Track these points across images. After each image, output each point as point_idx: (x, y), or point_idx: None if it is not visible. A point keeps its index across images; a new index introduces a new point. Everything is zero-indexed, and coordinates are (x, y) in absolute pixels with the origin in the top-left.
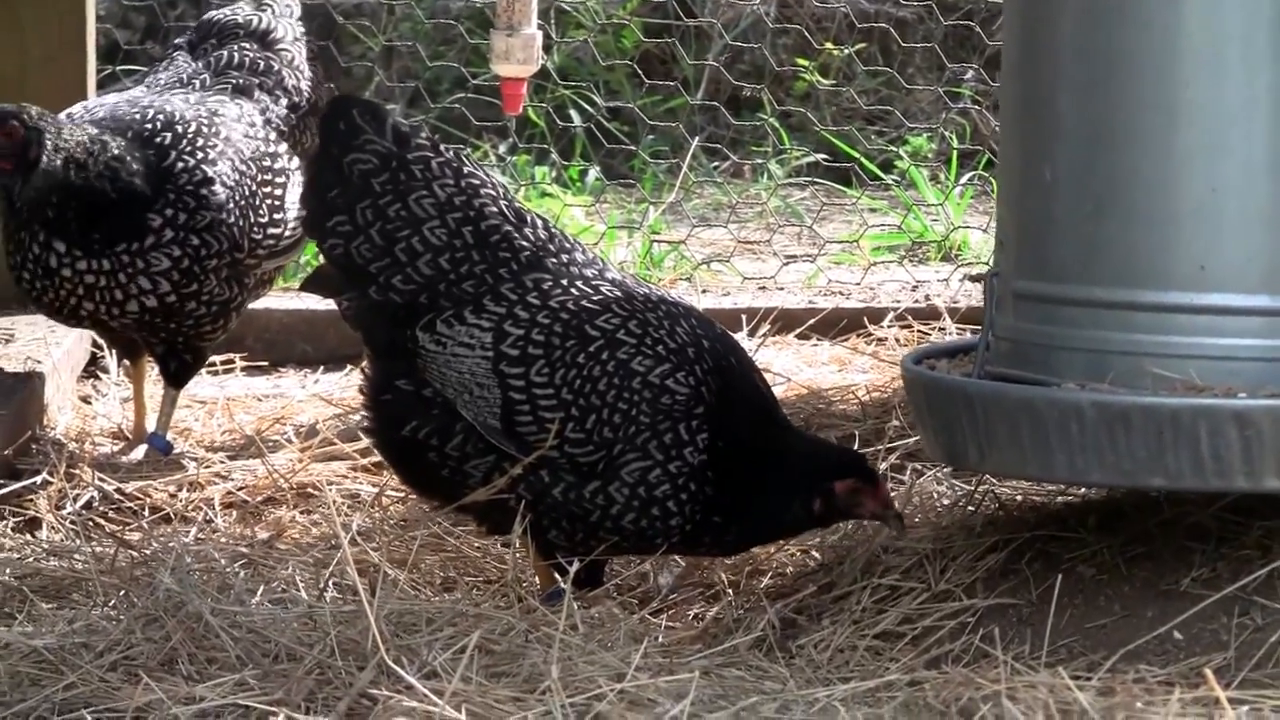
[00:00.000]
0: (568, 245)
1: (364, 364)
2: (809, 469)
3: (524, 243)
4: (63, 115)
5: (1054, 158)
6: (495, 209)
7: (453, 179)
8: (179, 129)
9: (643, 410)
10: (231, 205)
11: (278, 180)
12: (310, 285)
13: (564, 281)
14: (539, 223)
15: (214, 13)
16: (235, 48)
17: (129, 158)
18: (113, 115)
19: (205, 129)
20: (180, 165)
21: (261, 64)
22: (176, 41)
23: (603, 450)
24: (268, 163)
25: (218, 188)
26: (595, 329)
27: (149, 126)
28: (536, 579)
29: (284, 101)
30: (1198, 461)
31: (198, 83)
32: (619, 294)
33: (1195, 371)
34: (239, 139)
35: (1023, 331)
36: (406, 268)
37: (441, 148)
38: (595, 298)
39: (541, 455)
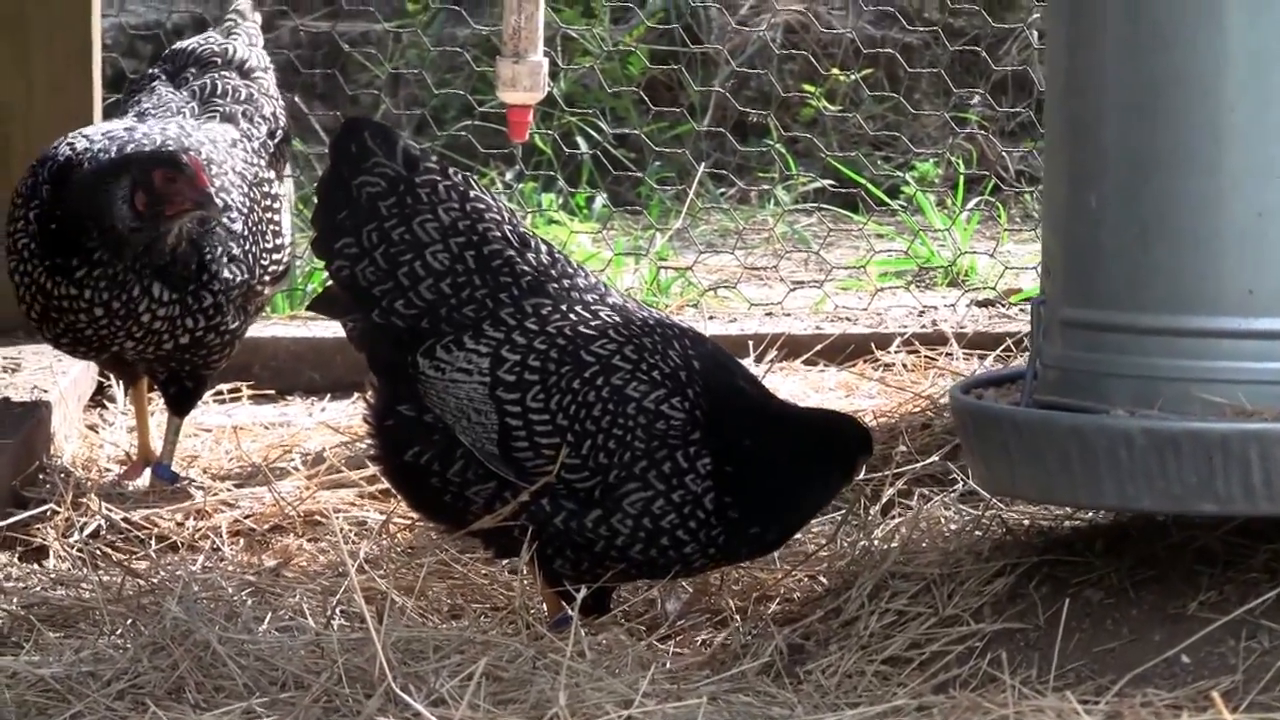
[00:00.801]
0: (570, 270)
1: (369, 389)
2: (828, 444)
3: (525, 267)
4: (66, 145)
5: (1099, 184)
6: (499, 233)
7: (458, 203)
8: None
9: (638, 436)
10: (247, 234)
11: (275, 205)
12: (318, 305)
13: (563, 307)
14: (543, 247)
15: (186, 42)
16: (217, 76)
17: None
18: (128, 143)
19: (215, 158)
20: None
21: (243, 92)
22: (151, 71)
23: (599, 476)
24: (266, 188)
25: (235, 215)
26: (590, 354)
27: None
28: (544, 606)
29: (264, 128)
30: (1248, 486)
31: (187, 111)
32: (617, 319)
33: (1244, 396)
34: (241, 166)
35: (1070, 359)
36: (409, 292)
37: (450, 172)
38: (593, 323)
39: (541, 482)
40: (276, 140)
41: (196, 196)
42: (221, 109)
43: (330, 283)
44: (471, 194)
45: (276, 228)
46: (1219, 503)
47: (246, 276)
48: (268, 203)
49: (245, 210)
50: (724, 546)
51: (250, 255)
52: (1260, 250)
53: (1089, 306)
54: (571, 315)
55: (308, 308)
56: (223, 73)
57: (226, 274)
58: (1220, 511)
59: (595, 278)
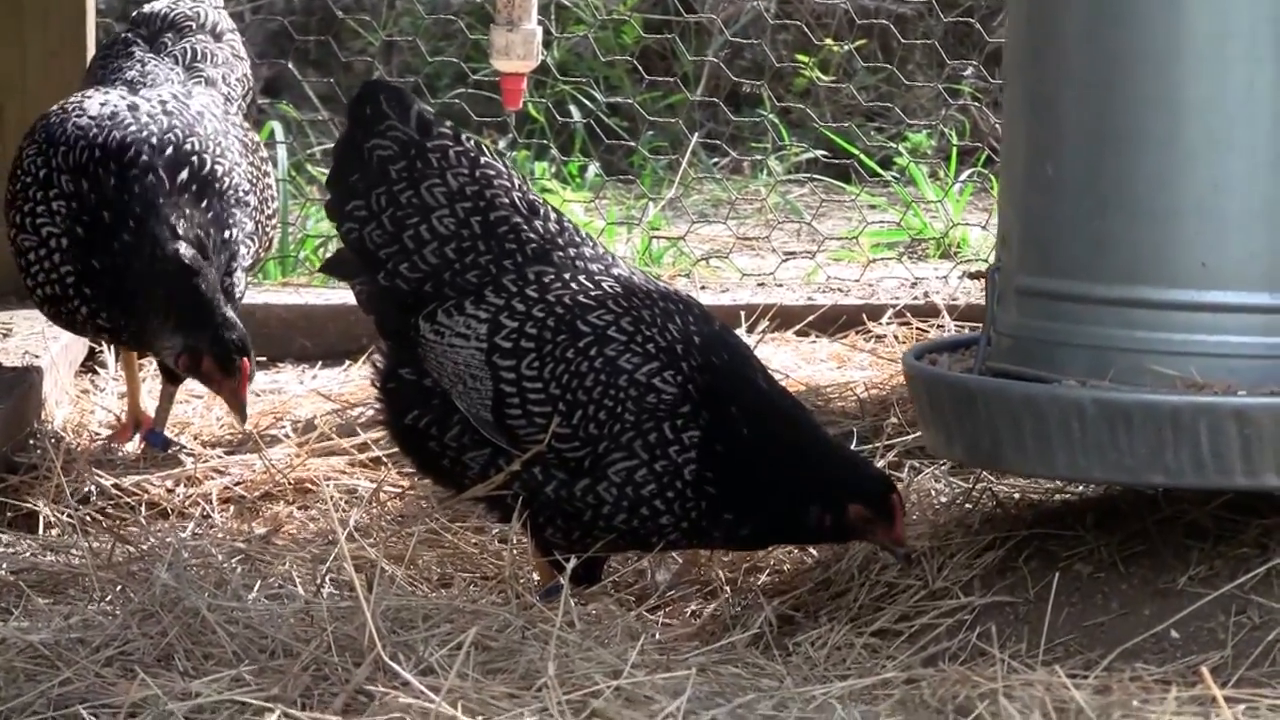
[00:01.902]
0: (578, 239)
1: (377, 353)
2: (828, 482)
3: (531, 235)
4: (70, 116)
5: (1057, 155)
6: (506, 200)
7: (468, 169)
8: (201, 136)
9: (628, 408)
10: (257, 204)
11: (267, 169)
12: (329, 267)
13: (565, 275)
14: (551, 215)
15: (157, 5)
16: (194, 40)
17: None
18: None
19: (219, 132)
20: (219, 170)
21: (219, 55)
22: (125, 35)
23: (589, 447)
24: (261, 152)
25: (246, 188)
26: (587, 325)
27: (175, 136)
28: (535, 574)
29: (239, 89)
30: (1198, 459)
31: (174, 78)
32: (618, 290)
33: (1196, 369)
34: (239, 134)
35: (1025, 328)
36: (413, 255)
37: (463, 138)
38: (593, 293)
39: (533, 450)
40: (249, 100)
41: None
42: (204, 74)
43: (341, 245)
44: (483, 160)
45: (273, 191)
46: (1169, 475)
47: (256, 248)
48: (265, 167)
49: (253, 181)
50: (696, 522)
51: (260, 226)
52: (1215, 224)
53: (1044, 275)
54: (573, 285)
55: (319, 269)
56: (198, 37)
57: (242, 249)
58: (1170, 484)
59: (603, 248)
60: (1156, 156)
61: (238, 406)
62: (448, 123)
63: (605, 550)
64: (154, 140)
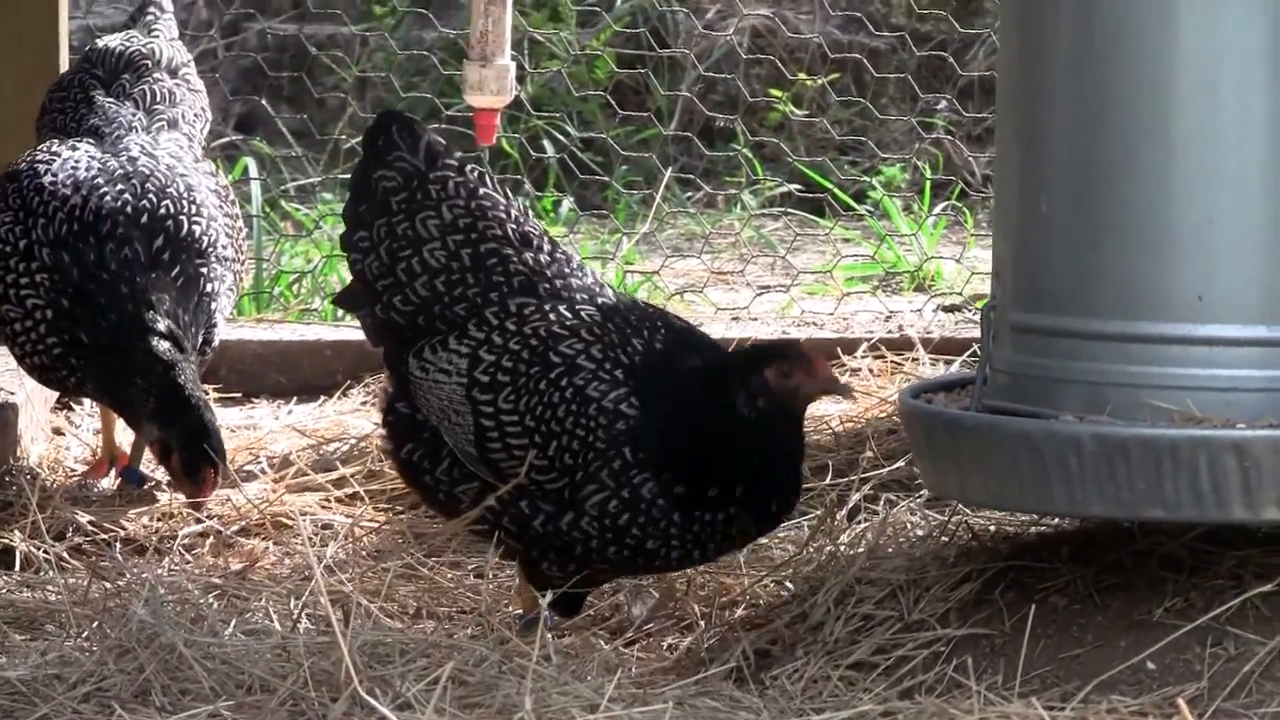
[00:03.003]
0: (568, 269)
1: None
2: (734, 370)
3: (520, 267)
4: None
5: (1050, 189)
6: (499, 231)
7: (464, 200)
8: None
9: (599, 437)
10: (233, 255)
11: (236, 209)
12: (340, 300)
13: (545, 307)
14: (545, 246)
15: (111, 41)
16: (151, 81)
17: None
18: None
19: (195, 185)
20: (197, 230)
21: (177, 94)
22: (78, 77)
23: (566, 477)
24: (230, 195)
25: (225, 241)
26: (558, 355)
27: (149, 202)
28: (511, 608)
29: (199, 125)
30: (1197, 493)
31: (137, 125)
32: (595, 317)
33: (1193, 403)
34: (211, 184)
35: (1020, 364)
36: (405, 288)
37: (467, 168)
38: (569, 322)
39: (519, 485)
40: (205, 130)
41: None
42: (165, 116)
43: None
44: (481, 191)
45: (244, 234)
46: (1167, 509)
47: (236, 296)
48: (235, 210)
49: (230, 234)
50: (684, 529)
51: (237, 276)
52: (1209, 256)
53: (1039, 311)
54: (551, 315)
55: (331, 302)
56: (155, 76)
57: (225, 302)
58: (1168, 518)
59: (594, 277)
60: (1150, 189)
61: (194, 506)
62: (457, 154)
63: (606, 578)
64: (129, 209)
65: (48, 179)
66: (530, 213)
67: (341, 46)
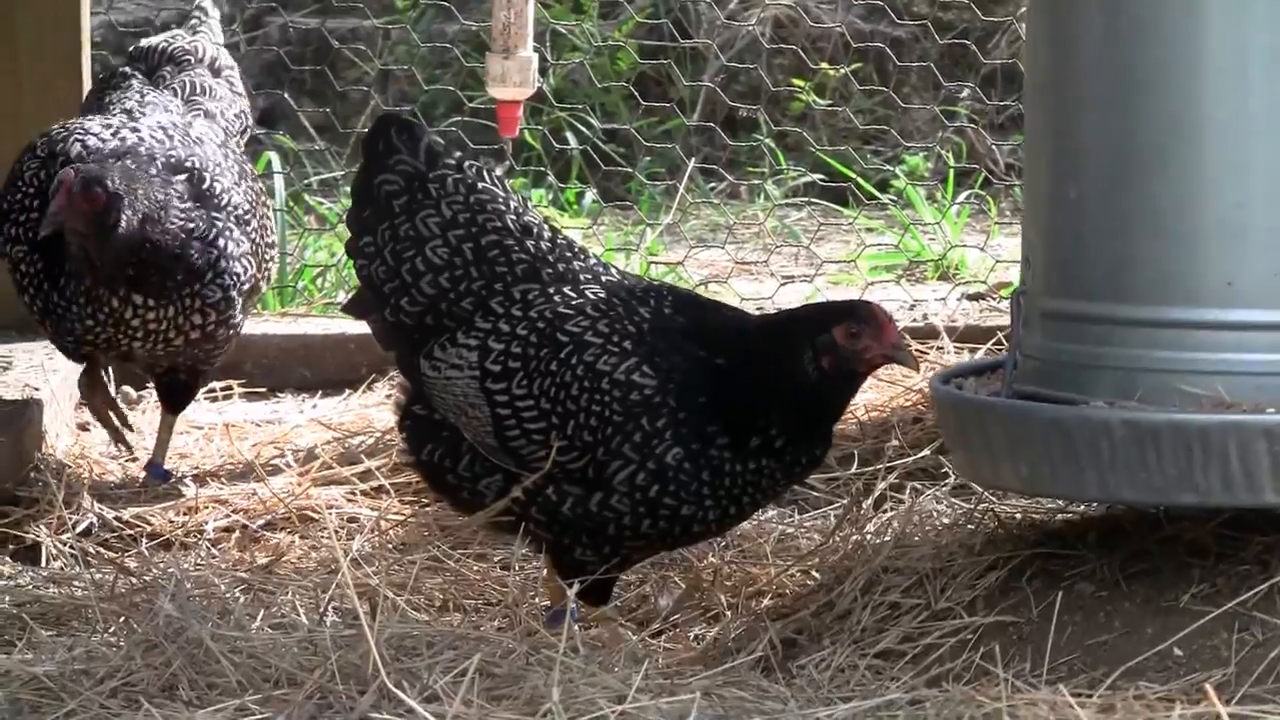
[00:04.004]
0: (569, 254)
1: (398, 389)
2: (805, 325)
3: (522, 255)
4: (76, 141)
5: (1080, 176)
6: (499, 223)
7: (463, 195)
8: (201, 155)
9: (615, 410)
10: (254, 227)
11: (265, 200)
12: (349, 308)
13: (550, 290)
14: (545, 233)
15: (154, 40)
16: (193, 74)
17: (185, 205)
18: (137, 150)
19: (215, 156)
20: (218, 187)
21: (218, 90)
22: (123, 70)
23: (587, 454)
24: (259, 184)
25: (245, 209)
26: (565, 334)
27: (176, 155)
28: (539, 600)
29: (239, 124)
30: (1228, 478)
31: (173, 108)
32: (600, 294)
33: (1224, 388)
34: (238, 160)
35: (1051, 350)
36: (411, 289)
37: (465, 165)
38: (574, 302)
39: (541, 471)
40: (246, 136)
41: None
42: (203, 107)
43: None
44: (480, 185)
45: (270, 222)
46: (1198, 494)
47: (254, 271)
48: (263, 198)
49: (251, 205)
50: (716, 486)
51: (258, 250)
52: (1239, 242)
53: (1069, 297)
54: (556, 298)
55: (342, 310)
56: (197, 70)
57: (238, 268)
58: (1199, 503)
59: (595, 259)
60: (1179, 176)
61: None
62: (456, 153)
63: (643, 556)
64: (155, 155)
65: (77, 133)
66: (530, 204)
67: (364, 40)
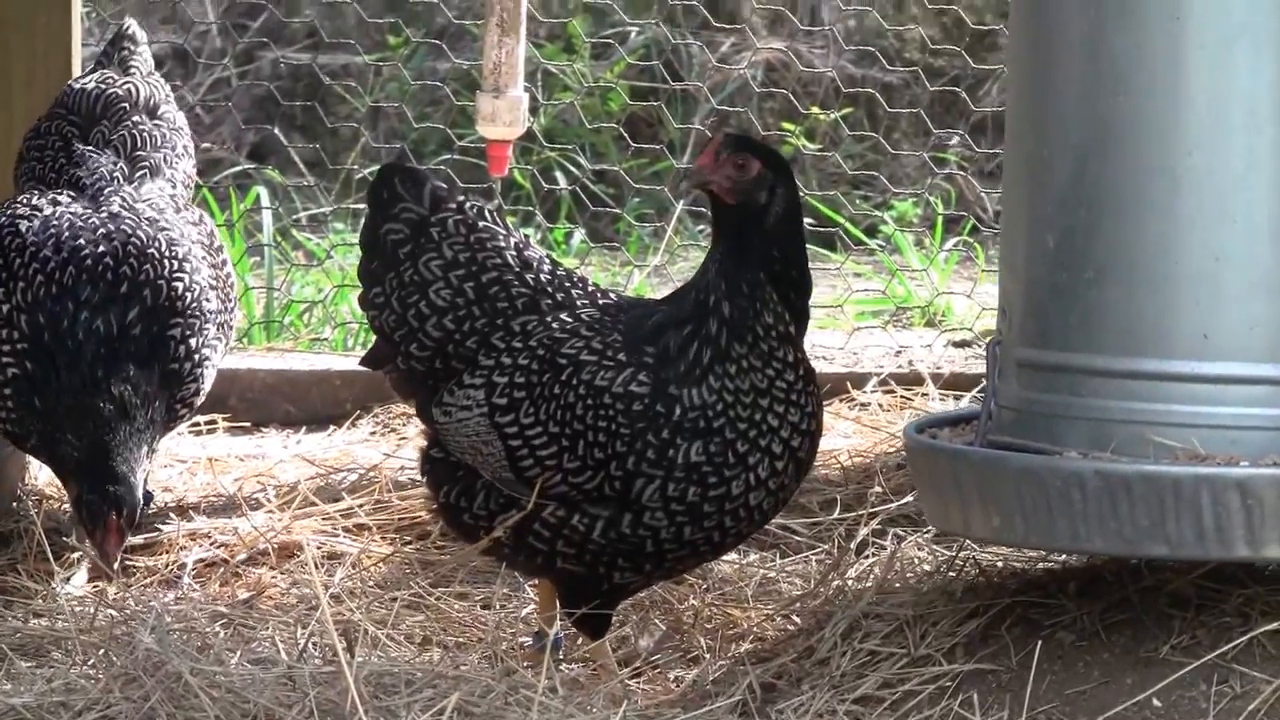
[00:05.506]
0: (569, 284)
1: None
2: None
3: (522, 289)
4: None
5: (1056, 225)
6: (499, 260)
7: (464, 236)
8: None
9: (620, 423)
10: (220, 307)
11: (224, 255)
12: (368, 360)
13: (548, 319)
14: (545, 266)
15: (86, 82)
16: (131, 126)
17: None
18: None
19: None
20: (179, 287)
21: (158, 136)
22: (50, 124)
23: (601, 472)
24: (217, 241)
25: (210, 295)
26: (563, 357)
27: (129, 269)
28: (519, 638)
29: (181, 165)
30: (1199, 530)
31: (119, 174)
32: (595, 314)
33: (1198, 440)
34: (197, 235)
35: (1025, 400)
36: (419, 334)
37: (466, 206)
38: (569, 325)
39: (562, 500)
40: (192, 171)
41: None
42: (148, 163)
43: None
44: (480, 224)
45: (232, 279)
46: (1170, 546)
47: (223, 343)
48: (222, 257)
49: (214, 283)
50: (742, 465)
51: (225, 325)
52: (1215, 294)
53: (1044, 348)
54: (553, 325)
55: (360, 363)
56: (134, 119)
57: (211, 356)
58: (1171, 555)
59: (594, 286)
60: (1156, 226)
61: (103, 557)
62: (460, 196)
63: (690, 567)
64: (109, 276)
65: (30, 237)
66: (531, 241)
67: (355, 76)
